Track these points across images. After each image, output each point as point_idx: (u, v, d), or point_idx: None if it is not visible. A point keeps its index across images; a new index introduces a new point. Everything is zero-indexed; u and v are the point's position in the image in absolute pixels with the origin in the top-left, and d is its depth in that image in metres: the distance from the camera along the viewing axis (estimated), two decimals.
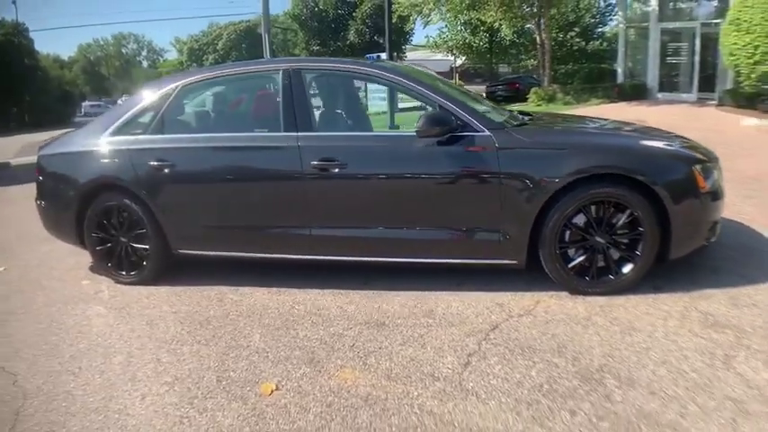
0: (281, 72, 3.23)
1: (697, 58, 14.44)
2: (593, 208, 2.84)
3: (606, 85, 17.47)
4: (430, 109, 3.10)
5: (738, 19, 10.46)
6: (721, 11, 13.03)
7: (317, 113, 3.41)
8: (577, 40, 29.63)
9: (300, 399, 2.11)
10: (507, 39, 28.04)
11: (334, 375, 2.26)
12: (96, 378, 2.39)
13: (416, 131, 2.84)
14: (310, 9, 29.16)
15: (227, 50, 44.00)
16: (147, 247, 3.41)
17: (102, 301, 3.30)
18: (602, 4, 29.17)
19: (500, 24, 19.61)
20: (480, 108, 3.19)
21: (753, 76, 10.39)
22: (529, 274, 3.03)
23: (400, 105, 10.02)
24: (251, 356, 2.46)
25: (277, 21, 34.49)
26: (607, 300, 2.86)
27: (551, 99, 17.30)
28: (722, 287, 2.93)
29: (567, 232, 2.87)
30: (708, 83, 14.26)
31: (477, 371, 2.25)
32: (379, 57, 13.92)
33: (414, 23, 19.98)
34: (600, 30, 31.53)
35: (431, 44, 28.19)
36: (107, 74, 71.94)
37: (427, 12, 18.33)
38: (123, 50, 76.10)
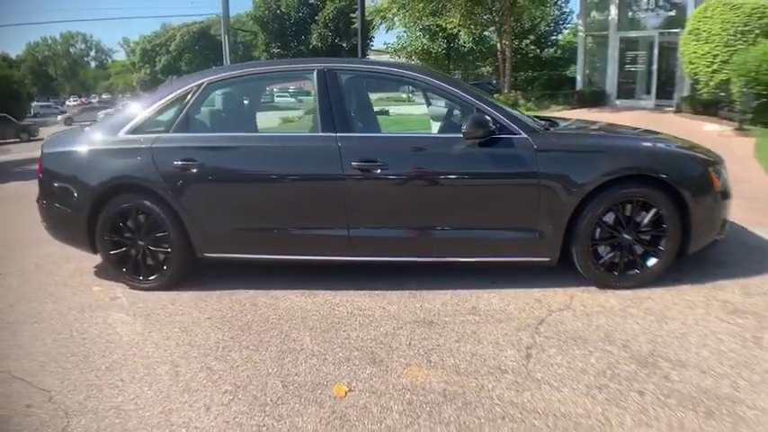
0: (315, 72, 3.27)
1: (655, 66, 15.45)
2: (621, 207, 3.06)
3: (566, 92, 18.37)
4: (457, 112, 3.26)
5: (698, 29, 11.34)
6: (679, 21, 14.05)
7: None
8: (532, 47, 30.95)
9: (378, 398, 2.15)
10: (466, 46, 28.95)
11: (402, 374, 2.31)
12: (146, 390, 2.31)
13: (463, 133, 2.96)
14: (272, 11, 29.07)
15: (179, 52, 43.32)
16: (169, 250, 3.34)
17: (123, 308, 3.20)
18: (556, 12, 30.60)
19: (459, 31, 20.28)
20: (513, 112, 3.35)
21: (711, 83, 11.25)
22: (554, 270, 3.22)
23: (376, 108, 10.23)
24: (309, 360, 2.47)
25: (239, 21, 34.19)
26: (634, 293, 3.08)
27: (513, 105, 17.90)
28: (732, 278, 3.22)
29: (598, 230, 3.07)
30: (665, 90, 15.29)
31: (540, 362, 2.38)
32: None
33: (377, 28, 20.31)
34: (554, 38, 33.12)
35: (390, 50, 28.64)
36: (54, 74, 69.74)
37: (391, 17, 18.67)
38: (71, 50, 74.60)
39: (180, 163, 3.23)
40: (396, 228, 3.17)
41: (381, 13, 18.09)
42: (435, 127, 4.31)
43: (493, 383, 2.23)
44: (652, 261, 3.12)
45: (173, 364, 2.55)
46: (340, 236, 3.16)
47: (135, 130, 3.40)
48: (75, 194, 3.40)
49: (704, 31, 11.15)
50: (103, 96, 60.85)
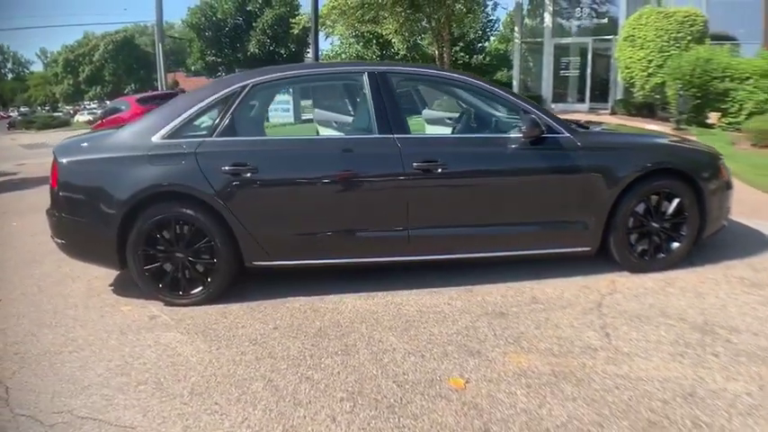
0: (365, 74, 3.44)
1: (589, 71, 16.81)
2: (650, 198, 3.49)
3: None
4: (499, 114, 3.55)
5: (633, 36, 12.57)
6: (611, 28, 15.44)
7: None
8: (462, 54, 32.43)
9: (497, 386, 2.34)
10: (399, 53, 29.81)
11: (505, 361, 2.53)
12: (252, 412, 2.26)
13: (523, 133, 3.27)
14: (208, 18, 28.37)
15: (102, 61, 41.37)
16: (214, 261, 3.30)
17: (170, 327, 3.12)
18: (484, 20, 32.27)
19: (392, 38, 20.95)
20: (552, 114, 3.69)
21: (647, 87, 12.50)
22: (580, 260, 3.59)
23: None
24: (408, 358, 2.62)
25: (173, 28, 33.19)
26: (663, 275, 3.51)
27: None
28: (736, 259, 3.76)
29: (631, 219, 3.49)
30: (599, 94, 16.68)
31: (619, 338, 2.71)
32: None
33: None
34: (481, 45, 34.88)
35: (325, 57, 28.87)
36: None
37: (330, 23, 18.94)
38: None
39: (230, 168, 3.22)
40: (454, 225, 3.38)
41: (321, 20, 18.28)
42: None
43: (591, 361, 2.52)
44: (675, 245, 3.58)
45: (265, 379, 2.51)
46: (400, 236, 3.32)
47: (172, 135, 3.34)
48: (104, 206, 3.25)
49: (639, 37, 12.40)
50: (22, 109, 58.85)
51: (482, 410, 2.19)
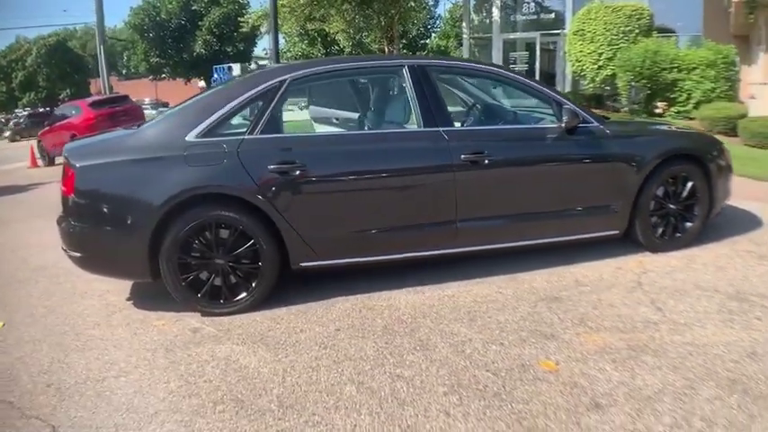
0: (405, 68, 3.51)
1: (537, 65, 17.56)
2: (668, 182, 3.82)
3: None
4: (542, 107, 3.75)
5: (583, 30, 13.29)
6: (558, 23, 16.21)
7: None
8: (405, 51, 32.90)
9: (586, 364, 2.52)
10: (345, 50, 29.84)
11: (582, 341, 2.73)
12: (359, 418, 2.20)
13: (565, 123, 3.50)
14: (152, 18, 27.14)
15: (36, 66, 38.76)
16: (259, 264, 3.21)
17: (220, 338, 2.96)
18: (427, 17, 32.89)
19: (337, 36, 21.04)
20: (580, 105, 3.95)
21: (597, 79, 13.27)
22: (602, 243, 3.87)
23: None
24: (489, 347, 2.74)
25: (111, 30, 31.70)
26: (682, 253, 3.85)
27: None
28: (737, 235, 4.18)
29: (653, 203, 3.80)
30: (548, 86, 17.45)
31: (671, 311, 2.98)
32: (230, 68, 14.06)
33: (264, 34, 20.18)
34: (423, 42, 35.52)
35: (268, 55, 28.46)
36: None
37: (280, 21, 18.70)
38: None
39: (276, 166, 3.16)
40: (498, 216, 3.54)
41: (269, 17, 18.04)
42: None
43: (657, 333, 2.77)
44: (689, 225, 3.93)
45: (354, 382, 2.47)
46: (448, 229, 3.44)
47: (208, 133, 3.20)
48: (133, 213, 3.06)
49: (589, 31, 13.14)
50: None
51: (584, 388, 2.36)
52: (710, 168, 3.86)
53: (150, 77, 33.27)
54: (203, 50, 27.18)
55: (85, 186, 3.16)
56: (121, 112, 12.73)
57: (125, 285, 3.74)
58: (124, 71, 35.79)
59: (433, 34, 36.11)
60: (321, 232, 3.31)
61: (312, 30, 23.72)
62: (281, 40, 28.09)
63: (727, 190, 4.10)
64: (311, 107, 3.89)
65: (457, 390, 2.38)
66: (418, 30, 33.87)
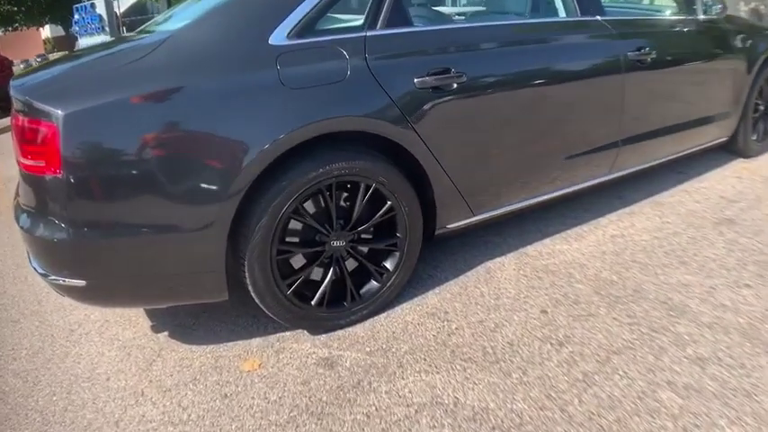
0: None
1: None
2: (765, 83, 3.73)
3: None
4: None
5: None
6: None
7: None
8: None
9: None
10: None
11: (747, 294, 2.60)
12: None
13: (719, 12, 3.20)
14: None
15: None
16: (397, 236, 2.28)
17: (390, 372, 2.07)
18: None
19: None
20: None
21: None
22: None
23: None
24: (735, 289, 2.44)
25: None
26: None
27: None
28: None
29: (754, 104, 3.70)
30: None
31: (745, 249, 2.75)
32: (92, 4, 12.12)
33: None
34: None
35: None
36: None
37: None
38: None
39: (425, 79, 2.12)
40: (655, 130, 3.06)
41: None
42: None
43: None
44: None
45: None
46: (610, 151, 2.86)
47: (304, 31, 2.00)
48: (192, 189, 1.82)
49: None
50: None
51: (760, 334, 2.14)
52: None
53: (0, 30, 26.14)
54: None
55: (88, 153, 1.75)
56: None
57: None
58: None
59: None
60: (480, 174, 2.43)
61: None
62: None
63: None
64: None
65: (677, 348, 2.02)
66: None
